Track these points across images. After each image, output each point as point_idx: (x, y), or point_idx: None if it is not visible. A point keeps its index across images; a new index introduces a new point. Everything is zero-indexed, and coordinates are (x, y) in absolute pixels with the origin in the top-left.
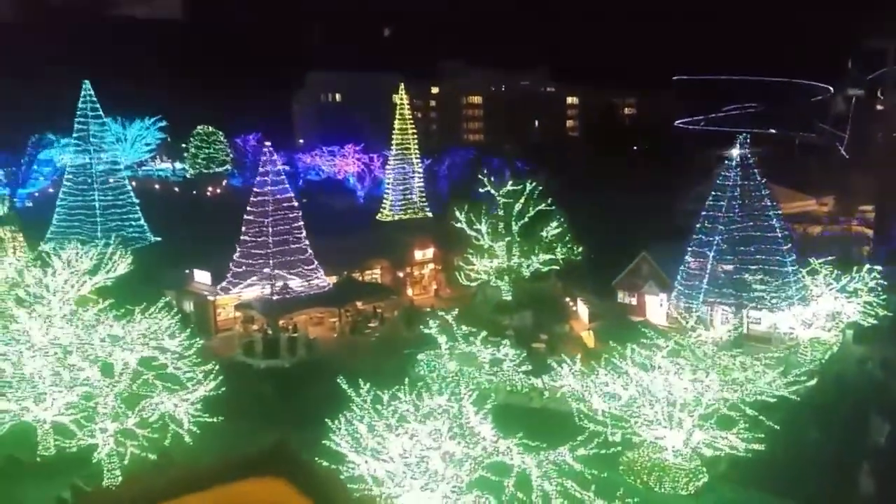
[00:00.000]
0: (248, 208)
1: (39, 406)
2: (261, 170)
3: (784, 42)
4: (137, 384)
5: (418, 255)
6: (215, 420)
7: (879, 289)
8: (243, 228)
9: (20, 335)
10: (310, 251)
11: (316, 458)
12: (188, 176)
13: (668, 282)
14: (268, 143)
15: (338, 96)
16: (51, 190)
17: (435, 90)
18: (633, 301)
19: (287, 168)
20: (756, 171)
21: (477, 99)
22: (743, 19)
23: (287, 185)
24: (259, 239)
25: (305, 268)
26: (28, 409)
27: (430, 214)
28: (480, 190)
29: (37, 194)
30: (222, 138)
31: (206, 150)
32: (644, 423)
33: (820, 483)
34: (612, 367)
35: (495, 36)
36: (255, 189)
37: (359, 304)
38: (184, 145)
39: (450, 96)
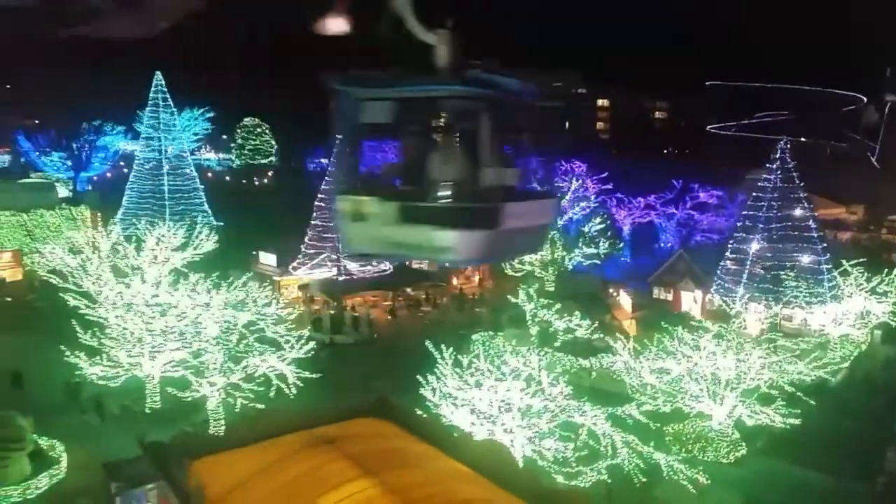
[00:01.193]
0: (319, 195)
1: (152, 361)
2: (333, 160)
3: (820, 50)
4: (244, 344)
5: None
6: (314, 377)
7: None
8: (314, 213)
9: (133, 297)
10: None
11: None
12: (234, 166)
13: (703, 279)
14: (339, 136)
15: None
16: (109, 175)
17: None
18: (669, 297)
19: (326, 161)
20: (795, 174)
21: None
22: (779, 26)
23: None
24: (329, 224)
25: None
26: (140, 365)
27: None
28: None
29: (95, 178)
30: (268, 130)
31: (253, 142)
32: (691, 397)
33: (849, 460)
34: (662, 346)
35: (528, 37)
36: (326, 178)
37: (408, 289)
38: (224, 136)
39: None
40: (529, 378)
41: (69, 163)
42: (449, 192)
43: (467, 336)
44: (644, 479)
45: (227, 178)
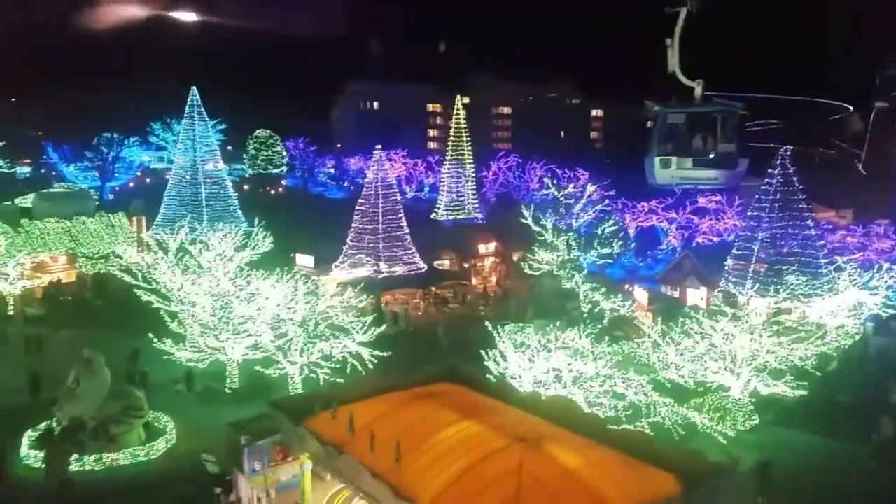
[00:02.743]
0: (360, 200)
1: (234, 345)
2: (371, 166)
3: (812, 60)
4: (321, 328)
5: (482, 248)
6: (385, 354)
7: None
8: (355, 217)
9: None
10: (409, 238)
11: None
12: (246, 176)
13: (708, 277)
14: (378, 147)
15: (375, 104)
16: (131, 184)
17: (465, 100)
18: (676, 294)
19: (334, 171)
20: (795, 178)
21: (506, 109)
22: (769, 37)
23: (393, 183)
24: (369, 226)
25: (405, 252)
26: (223, 349)
27: (479, 215)
28: (544, 192)
29: (117, 188)
30: (279, 142)
31: (265, 153)
32: (712, 372)
33: (846, 427)
34: (684, 330)
35: (524, 49)
36: (365, 185)
37: (433, 288)
38: (229, 148)
39: (480, 106)
40: (575, 351)
41: (94, 173)
42: (711, 153)
43: (499, 327)
44: (682, 433)
45: (246, 186)
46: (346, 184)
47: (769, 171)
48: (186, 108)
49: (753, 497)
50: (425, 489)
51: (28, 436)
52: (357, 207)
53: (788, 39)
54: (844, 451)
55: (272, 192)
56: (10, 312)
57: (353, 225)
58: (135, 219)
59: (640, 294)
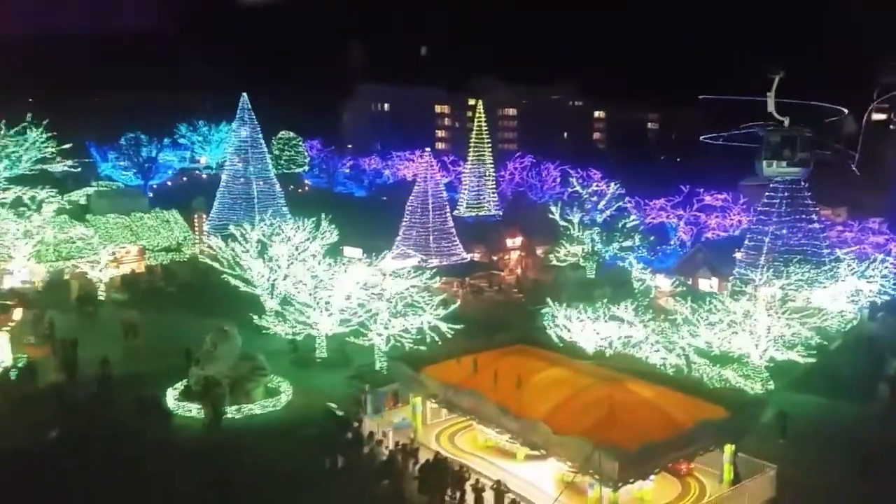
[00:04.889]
0: (411, 197)
1: (329, 319)
2: (420, 168)
3: (810, 64)
4: (400, 306)
5: (509, 242)
6: (459, 328)
7: (890, 275)
8: (406, 212)
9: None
10: (454, 232)
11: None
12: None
13: (718, 269)
14: (427, 149)
15: (386, 106)
16: (169, 183)
17: (472, 102)
18: (689, 283)
19: (350, 171)
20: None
21: (511, 111)
22: (771, 41)
23: (440, 183)
24: (419, 221)
25: (449, 244)
26: (316, 324)
27: (499, 212)
28: (570, 190)
29: (155, 186)
30: (301, 142)
31: (288, 153)
32: (734, 343)
33: (850, 393)
34: (710, 308)
35: (528, 52)
36: (416, 185)
37: (467, 278)
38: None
39: (486, 108)
40: (626, 321)
41: (133, 172)
42: (795, 158)
43: (537, 311)
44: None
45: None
46: (366, 182)
47: None
48: (237, 112)
49: (775, 439)
50: (536, 410)
51: (170, 393)
52: (408, 204)
53: (787, 45)
54: (850, 411)
55: (298, 190)
56: (102, 297)
57: (405, 219)
58: (196, 215)
59: (662, 281)
